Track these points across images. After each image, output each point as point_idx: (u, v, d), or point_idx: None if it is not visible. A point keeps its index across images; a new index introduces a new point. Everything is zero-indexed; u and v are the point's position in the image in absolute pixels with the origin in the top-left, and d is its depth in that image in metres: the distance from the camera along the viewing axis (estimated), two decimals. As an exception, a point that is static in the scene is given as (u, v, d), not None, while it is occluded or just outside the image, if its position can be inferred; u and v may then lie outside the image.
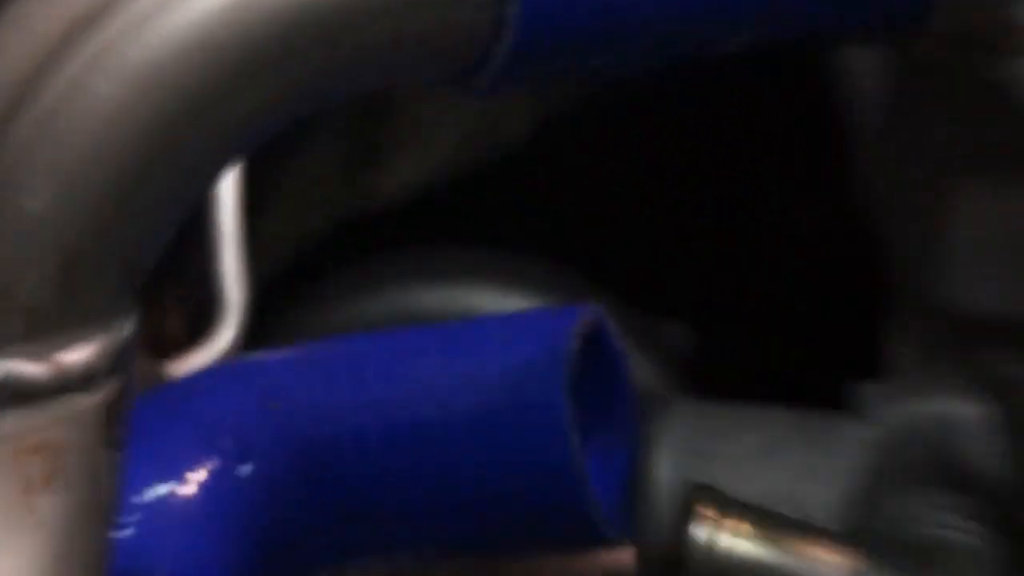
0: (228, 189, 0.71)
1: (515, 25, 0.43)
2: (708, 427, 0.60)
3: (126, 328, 0.42)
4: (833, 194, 0.71)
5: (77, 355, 0.41)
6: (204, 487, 0.56)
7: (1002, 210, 0.56)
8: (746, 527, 0.53)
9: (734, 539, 0.53)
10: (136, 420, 0.47)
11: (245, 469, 0.57)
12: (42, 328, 0.41)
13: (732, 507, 0.53)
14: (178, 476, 0.56)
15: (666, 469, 0.58)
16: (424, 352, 0.59)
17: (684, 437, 0.60)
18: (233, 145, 0.44)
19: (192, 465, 0.57)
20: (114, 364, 0.42)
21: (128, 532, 0.55)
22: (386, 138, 0.86)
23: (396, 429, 0.57)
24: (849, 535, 0.56)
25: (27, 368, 0.40)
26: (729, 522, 0.53)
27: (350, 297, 0.81)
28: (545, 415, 0.55)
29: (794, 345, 0.82)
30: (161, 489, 0.56)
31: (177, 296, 0.73)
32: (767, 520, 0.54)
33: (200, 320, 0.71)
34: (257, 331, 0.72)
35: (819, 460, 0.59)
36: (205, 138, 0.41)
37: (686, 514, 0.53)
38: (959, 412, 0.57)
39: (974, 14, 0.53)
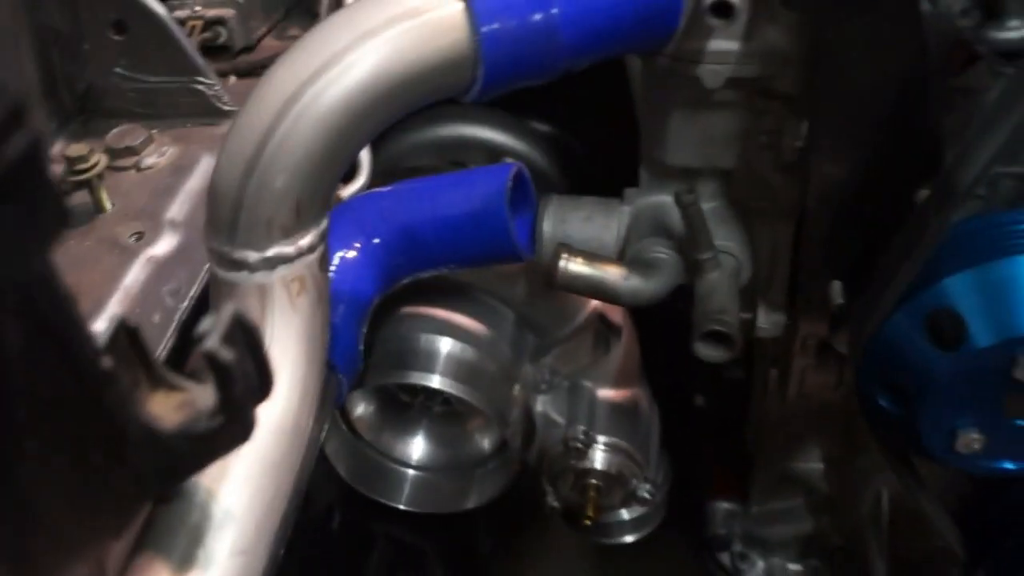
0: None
1: (481, 79, 0.73)
2: (564, 208, 0.96)
3: (323, 224, 0.69)
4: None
5: (306, 240, 0.67)
6: (359, 250, 0.89)
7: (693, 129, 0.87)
8: (579, 259, 0.90)
9: (573, 263, 0.90)
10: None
11: (375, 239, 0.91)
12: (289, 233, 0.66)
13: (573, 251, 0.91)
14: (348, 246, 0.89)
15: (546, 227, 0.95)
16: (444, 185, 0.94)
17: (553, 216, 0.95)
18: (354, 151, 0.69)
19: (353, 241, 0.89)
20: (321, 240, 0.69)
21: (331, 273, 0.84)
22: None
23: (434, 219, 0.92)
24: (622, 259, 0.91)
25: (285, 249, 0.66)
26: (572, 256, 0.90)
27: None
28: (497, 214, 0.91)
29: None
30: (342, 252, 0.89)
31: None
32: (589, 255, 0.91)
33: (349, 175, 1.04)
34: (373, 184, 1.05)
35: (608, 221, 0.95)
36: (345, 151, 0.67)
37: (555, 254, 0.90)
38: (664, 201, 0.93)
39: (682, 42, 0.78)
